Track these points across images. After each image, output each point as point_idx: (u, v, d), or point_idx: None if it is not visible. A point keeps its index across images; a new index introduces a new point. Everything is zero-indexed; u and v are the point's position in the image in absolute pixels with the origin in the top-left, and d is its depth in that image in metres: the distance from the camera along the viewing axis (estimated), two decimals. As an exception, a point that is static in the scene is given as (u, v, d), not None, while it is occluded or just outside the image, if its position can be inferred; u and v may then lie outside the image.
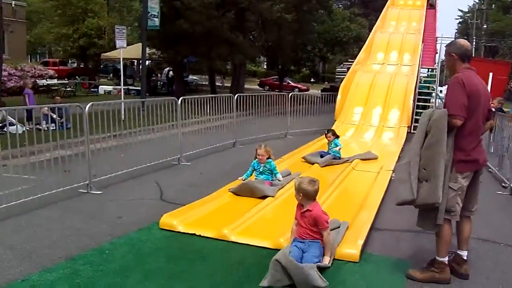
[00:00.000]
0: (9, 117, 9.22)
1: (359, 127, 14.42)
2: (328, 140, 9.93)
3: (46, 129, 7.33)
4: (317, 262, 4.40)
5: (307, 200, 4.59)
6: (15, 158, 6.70)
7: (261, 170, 7.38)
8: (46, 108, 8.70)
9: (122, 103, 10.87)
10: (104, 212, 6.26)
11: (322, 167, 9.10)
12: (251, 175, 7.44)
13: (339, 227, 5.34)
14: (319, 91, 21.57)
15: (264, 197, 6.72)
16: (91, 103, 7.50)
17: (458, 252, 4.64)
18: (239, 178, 7.44)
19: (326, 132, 10.15)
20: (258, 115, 14.04)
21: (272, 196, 6.70)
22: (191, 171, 8.91)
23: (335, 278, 4.44)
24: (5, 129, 8.10)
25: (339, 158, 9.73)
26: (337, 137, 10.04)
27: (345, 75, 17.88)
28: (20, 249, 4.98)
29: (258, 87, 41.31)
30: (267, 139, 12.92)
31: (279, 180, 7.38)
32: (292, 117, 14.59)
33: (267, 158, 7.35)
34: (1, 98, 14.84)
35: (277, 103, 14.44)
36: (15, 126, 7.02)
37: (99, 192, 7.18)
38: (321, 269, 4.36)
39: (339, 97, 15.59)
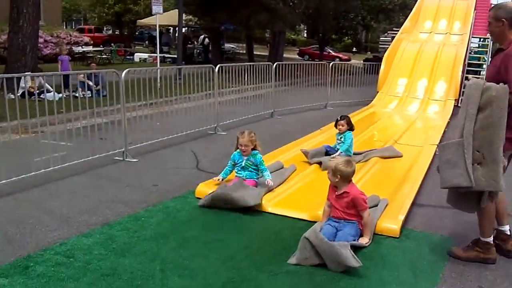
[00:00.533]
0: (46, 84, 9.30)
1: (402, 99, 13.95)
2: (339, 130, 7.27)
3: (82, 96, 7.34)
4: (352, 241, 4.23)
5: (343, 182, 4.39)
6: (52, 125, 6.74)
7: (243, 164, 5.71)
8: (82, 75, 8.71)
9: (158, 71, 10.81)
10: (140, 180, 6.24)
11: (323, 170, 6.44)
12: (230, 172, 5.85)
13: (377, 205, 5.12)
14: (361, 61, 20.99)
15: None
16: (127, 69, 7.44)
17: (500, 228, 4.36)
18: (213, 178, 5.80)
19: (338, 119, 7.36)
20: (297, 85, 13.79)
21: (258, 204, 5.15)
22: (227, 140, 8.79)
23: (374, 253, 4.28)
24: (42, 96, 8.15)
25: (350, 157, 6.73)
26: (351, 129, 7.32)
27: (389, 45, 17.27)
28: (58, 214, 5.01)
29: (297, 56, 40.68)
30: (306, 110, 12.71)
31: (267, 182, 5.56)
32: (332, 87, 14.25)
33: (252, 149, 5.70)
34: (38, 65, 15.02)
35: (317, 73, 14.10)
36: (52, 93, 7.02)
37: (135, 160, 7.17)
38: (357, 247, 4.20)
39: (382, 67, 15.09)
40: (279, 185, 5.87)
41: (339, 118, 7.32)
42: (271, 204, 5.28)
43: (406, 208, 5.20)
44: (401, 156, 7.62)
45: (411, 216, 5.17)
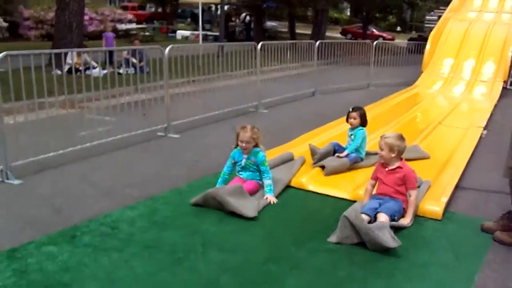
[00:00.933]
0: (92, 61, 9.50)
1: (448, 80, 13.54)
2: (351, 124, 5.91)
3: (126, 72, 7.46)
4: (393, 219, 4.19)
5: (397, 158, 4.35)
6: (97, 101, 6.89)
7: (243, 164, 5.06)
8: (126, 52, 8.83)
9: (201, 48, 10.83)
10: (181, 155, 6.33)
11: (326, 175, 5.54)
12: (230, 172, 5.13)
13: (419, 186, 5.02)
14: (406, 40, 20.45)
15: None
16: (171, 46, 7.50)
17: None
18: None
19: (350, 110, 5.91)
20: (340, 64, 13.59)
21: (253, 217, 4.41)
22: (268, 118, 8.81)
23: (415, 234, 4.22)
24: (87, 72, 8.33)
25: (361, 159, 5.91)
26: (364, 124, 5.91)
27: (435, 24, 16.71)
28: (102, 186, 5.16)
29: (340, 35, 39.99)
30: (348, 90, 12.54)
31: (266, 198, 4.82)
32: (375, 67, 13.98)
33: (254, 147, 5.01)
34: (83, 42, 15.32)
35: (360, 52, 13.86)
36: (97, 69, 7.17)
37: (177, 136, 7.27)
38: (397, 228, 4.15)
39: (428, 47, 14.65)
40: (289, 181, 5.33)
41: (350, 110, 5.85)
42: (312, 182, 5.27)
43: (450, 190, 5.09)
44: (428, 158, 6.35)
45: (454, 199, 5.06)
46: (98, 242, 3.85)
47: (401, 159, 4.39)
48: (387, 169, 4.40)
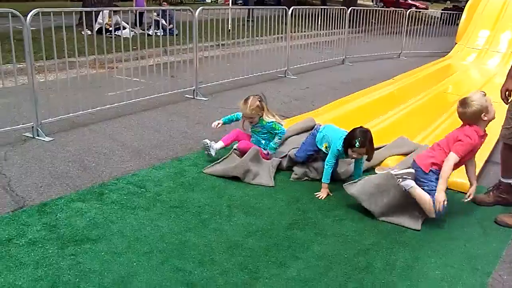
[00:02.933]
0: (123, 22, 9.45)
1: (482, 52, 13.12)
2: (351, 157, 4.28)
3: (155, 34, 7.41)
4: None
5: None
6: (126, 61, 6.90)
7: (249, 130, 4.97)
8: (156, 14, 8.76)
9: (230, 12, 10.70)
10: (209, 118, 6.30)
11: (294, 179, 4.58)
12: (234, 120, 5.04)
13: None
14: (440, 10, 19.84)
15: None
16: (201, 7, 7.41)
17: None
18: (213, 124, 5.00)
19: (355, 143, 4.02)
20: (371, 33, 13.31)
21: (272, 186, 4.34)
22: (297, 84, 8.71)
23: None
24: (118, 33, 8.31)
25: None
26: (370, 152, 4.20)
27: (471, -6, 16.15)
28: (130, 146, 5.20)
29: (371, 3, 39.06)
30: (379, 59, 12.30)
31: (274, 146, 4.78)
32: (407, 37, 13.63)
33: (260, 117, 4.79)
34: (113, 2, 15.26)
35: (393, 21, 13.49)
36: (127, 29, 7.16)
37: (205, 99, 7.26)
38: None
39: (463, 17, 14.17)
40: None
41: (356, 143, 4.02)
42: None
43: (480, 164, 4.98)
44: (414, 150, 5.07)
45: (484, 173, 4.96)
46: (125, 200, 3.90)
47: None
48: (481, 134, 3.85)
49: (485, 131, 3.86)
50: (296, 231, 3.58)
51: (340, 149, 4.17)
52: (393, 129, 6.20)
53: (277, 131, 4.82)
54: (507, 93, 4.17)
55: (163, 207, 3.82)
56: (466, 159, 3.87)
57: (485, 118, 3.75)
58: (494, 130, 6.28)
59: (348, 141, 4.08)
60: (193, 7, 7.92)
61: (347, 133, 4.18)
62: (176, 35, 8.43)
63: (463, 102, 3.78)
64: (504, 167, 4.33)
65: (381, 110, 6.83)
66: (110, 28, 7.54)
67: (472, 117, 3.76)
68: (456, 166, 3.83)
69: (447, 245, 3.58)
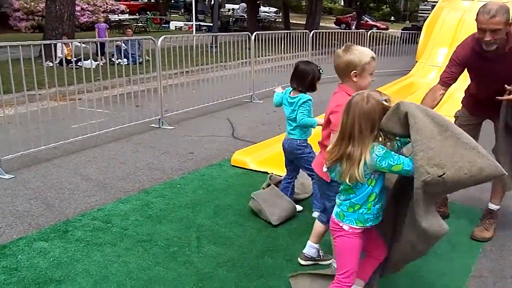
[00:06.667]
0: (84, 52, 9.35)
1: (442, 70, 13.45)
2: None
3: (118, 62, 7.35)
4: None
5: None
6: (89, 92, 6.79)
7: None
8: (121, 43, 8.71)
9: (194, 38, 10.72)
10: (176, 147, 6.25)
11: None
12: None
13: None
14: (400, 30, 20.37)
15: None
16: (163, 36, 7.40)
17: None
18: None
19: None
20: (334, 54, 13.50)
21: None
22: (263, 109, 8.72)
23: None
24: (79, 64, 8.20)
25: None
26: (310, 88, 4.14)
27: (428, 14, 16.64)
28: (95, 180, 5.07)
29: (334, 25, 39.85)
30: (342, 79, 12.46)
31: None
32: (369, 57, 13.85)
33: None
34: (75, 33, 15.14)
35: (355, 41, 13.74)
36: (89, 60, 7.07)
37: (171, 128, 7.18)
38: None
39: (422, 36, 14.57)
40: None
41: (320, 70, 4.15)
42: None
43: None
44: None
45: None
46: (91, 236, 3.78)
47: None
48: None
49: None
50: (267, 259, 3.53)
51: None
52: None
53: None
54: None
55: (130, 242, 3.72)
56: None
57: (355, 80, 2.97)
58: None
59: (312, 80, 4.02)
60: (157, 35, 7.91)
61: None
62: (140, 63, 8.39)
63: (346, 48, 3.04)
64: None
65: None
66: (72, 59, 7.42)
67: (340, 71, 3.03)
68: None
69: (417, 263, 3.56)
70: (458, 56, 3.86)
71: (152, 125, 7.18)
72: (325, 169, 2.57)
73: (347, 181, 2.42)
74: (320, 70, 4.06)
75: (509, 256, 3.72)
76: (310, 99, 4.07)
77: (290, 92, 4.13)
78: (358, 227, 2.54)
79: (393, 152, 2.42)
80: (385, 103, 2.42)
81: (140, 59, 8.29)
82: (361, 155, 2.35)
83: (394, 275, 3.30)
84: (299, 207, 4.33)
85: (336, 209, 2.62)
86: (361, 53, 2.98)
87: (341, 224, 2.57)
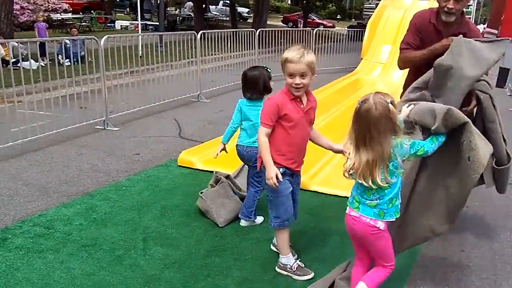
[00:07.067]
0: (24, 51, 9.02)
1: (386, 66, 13.86)
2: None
3: (61, 63, 7.14)
4: None
5: None
6: (29, 95, 6.56)
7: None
8: (66, 42, 8.46)
9: (140, 38, 10.57)
10: (121, 149, 6.13)
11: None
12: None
13: None
14: (345, 28, 20.77)
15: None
16: (106, 36, 7.23)
17: None
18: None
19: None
20: (281, 52, 13.61)
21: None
22: (210, 108, 8.69)
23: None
24: (18, 65, 7.90)
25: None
26: (264, 90, 4.03)
27: (373, 12, 17.06)
28: (37, 184, 4.91)
29: (281, 23, 40.18)
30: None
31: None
32: (316, 55, 13.98)
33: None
34: (14, 33, 14.59)
35: (301, 39, 13.93)
36: (29, 61, 6.83)
37: (116, 129, 7.04)
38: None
39: (366, 34, 14.94)
40: None
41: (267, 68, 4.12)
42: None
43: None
44: None
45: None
46: (32, 243, 3.65)
47: None
48: None
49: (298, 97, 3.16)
50: (215, 258, 3.52)
51: None
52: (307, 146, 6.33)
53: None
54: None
55: (74, 247, 3.62)
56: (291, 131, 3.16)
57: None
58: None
59: (264, 82, 3.95)
60: (102, 34, 7.72)
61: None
62: (83, 63, 8.17)
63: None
64: None
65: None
66: (10, 60, 7.13)
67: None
68: (287, 141, 3.17)
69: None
70: (416, 23, 3.91)
71: (97, 126, 7.02)
72: (346, 175, 2.66)
73: (372, 185, 2.55)
74: (268, 70, 4.05)
75: (450, 247, 3.86)
76: None
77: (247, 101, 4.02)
78: (394, 219, 2.69)
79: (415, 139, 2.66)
80: (390, 106, 2.54)
81: (83, 60, 8.09)
82: (381, 159, 2.51)
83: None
84: (260, 218, 4.17)
85: (371, 210, 2.65)
86: (291, 52, 3.11)
87: (378, 225, 2.64)
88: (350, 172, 2.61)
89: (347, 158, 2.63)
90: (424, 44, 3.83)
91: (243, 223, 4.06)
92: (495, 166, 3.29)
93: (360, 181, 2.59)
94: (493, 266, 3.59)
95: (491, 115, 3.30)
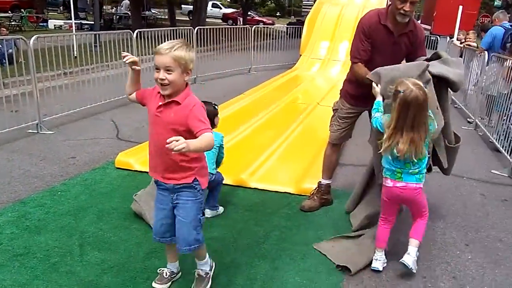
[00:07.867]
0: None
1: (325, 62, 14.12)
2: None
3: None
4: None
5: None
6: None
7: None
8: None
9: (74, 38, 10.23)
10: (56, 153, 5.91)
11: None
12: None
13: None
14: (285, 25, 20.97)
15: None
16: (36, 36, 6.94)
17: None
18: None
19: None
20: (220, 50, 13.58)
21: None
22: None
23: (297, 213, 4.35)
24: None
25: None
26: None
27: (311, 8, 17.32)
28: (-36, 193, 4.65)
29: (221, 21, 40.11)
30: (230, 75, 12.60)
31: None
32: (255, 52, 14.14)
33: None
34: None
35: (240, 37, 13.94)
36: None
37: (50, 132, 6.77)
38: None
39: (304, 31, 15.14)
40: None
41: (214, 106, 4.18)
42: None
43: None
44: None
45: (333, 176, 5.23)
46: (-42, 256, 3.46)
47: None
48: None
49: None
50: (154, 260, 3.47)
51: None
52: (246, 143, 6.36)
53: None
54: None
55: (5, 257, 3.46)
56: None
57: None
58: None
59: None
60: (33, 34, 7.41)
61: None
62: (11, 63, 7.82)
63: None
64: (325, 168, 4.60)
65: (233, 126, 6.96)
66: None
67: None
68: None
69: (304, 250, 3.72)
70: (364, 28, 3.96)
71: (29, 130, 6.72)
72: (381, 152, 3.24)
73: (415, 159, 3.13)
74: (215, 106, 4.10)
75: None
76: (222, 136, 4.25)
77: None
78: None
79: None
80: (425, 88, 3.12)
81: (12, 61, 7.73)
82: (425, 135, 3.12)
83: (281, 263, 3.39)
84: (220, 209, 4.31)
85: (413, 177, 3.25)
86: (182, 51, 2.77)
87: (420, 185, 3.28)
88: (393, 153, 3.15)
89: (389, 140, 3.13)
90: (375, 46, 3.94)
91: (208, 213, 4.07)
92: (448, 144, 3.80)
93: (403, 158, 3.13)
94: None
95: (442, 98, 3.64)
